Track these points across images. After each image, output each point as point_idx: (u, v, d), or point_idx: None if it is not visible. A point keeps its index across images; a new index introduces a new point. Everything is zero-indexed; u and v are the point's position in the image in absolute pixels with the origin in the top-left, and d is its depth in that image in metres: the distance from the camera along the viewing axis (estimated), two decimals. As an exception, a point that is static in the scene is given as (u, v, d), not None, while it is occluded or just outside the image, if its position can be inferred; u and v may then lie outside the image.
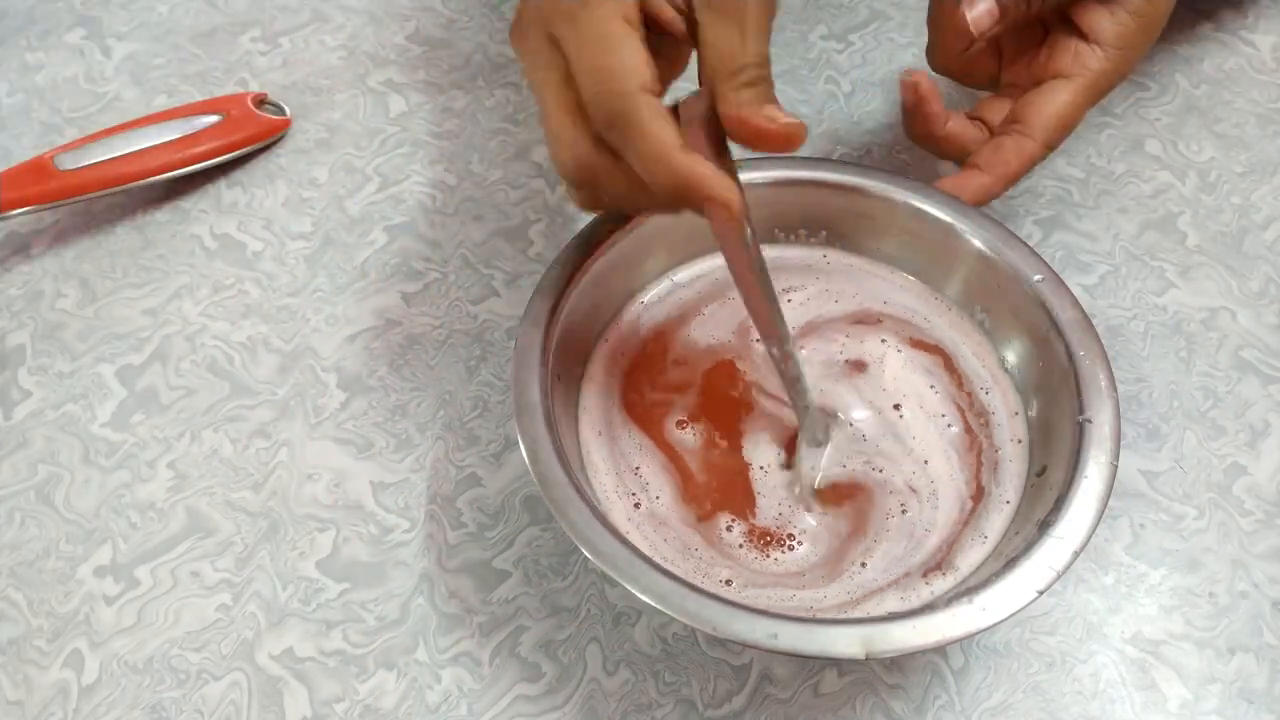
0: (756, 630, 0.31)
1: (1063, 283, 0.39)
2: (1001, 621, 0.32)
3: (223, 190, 0.51)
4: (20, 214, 0.47)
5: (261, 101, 0.54)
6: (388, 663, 0.38)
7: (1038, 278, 0.39)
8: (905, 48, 0.57)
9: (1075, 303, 0.39)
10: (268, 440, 0.43)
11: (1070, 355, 0.38)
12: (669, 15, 0.33)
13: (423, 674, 0.38)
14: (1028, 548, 0.33)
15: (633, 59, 0.31)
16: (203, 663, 0.38)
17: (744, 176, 0.42)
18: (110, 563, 0.40)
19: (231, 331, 0.46)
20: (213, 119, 0.51)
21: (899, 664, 0.38)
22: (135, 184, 0.49)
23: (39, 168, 0.48)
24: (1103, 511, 0.34)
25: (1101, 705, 0.38)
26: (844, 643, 0.31)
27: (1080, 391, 0.37)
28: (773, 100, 0.32)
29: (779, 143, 0.32)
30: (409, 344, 0.46)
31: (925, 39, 0.57)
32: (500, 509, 0.42)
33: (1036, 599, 0.32)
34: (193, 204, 0.51)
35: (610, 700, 0.38)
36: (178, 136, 0.50)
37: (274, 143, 0.53)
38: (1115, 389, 0.37)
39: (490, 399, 0.44)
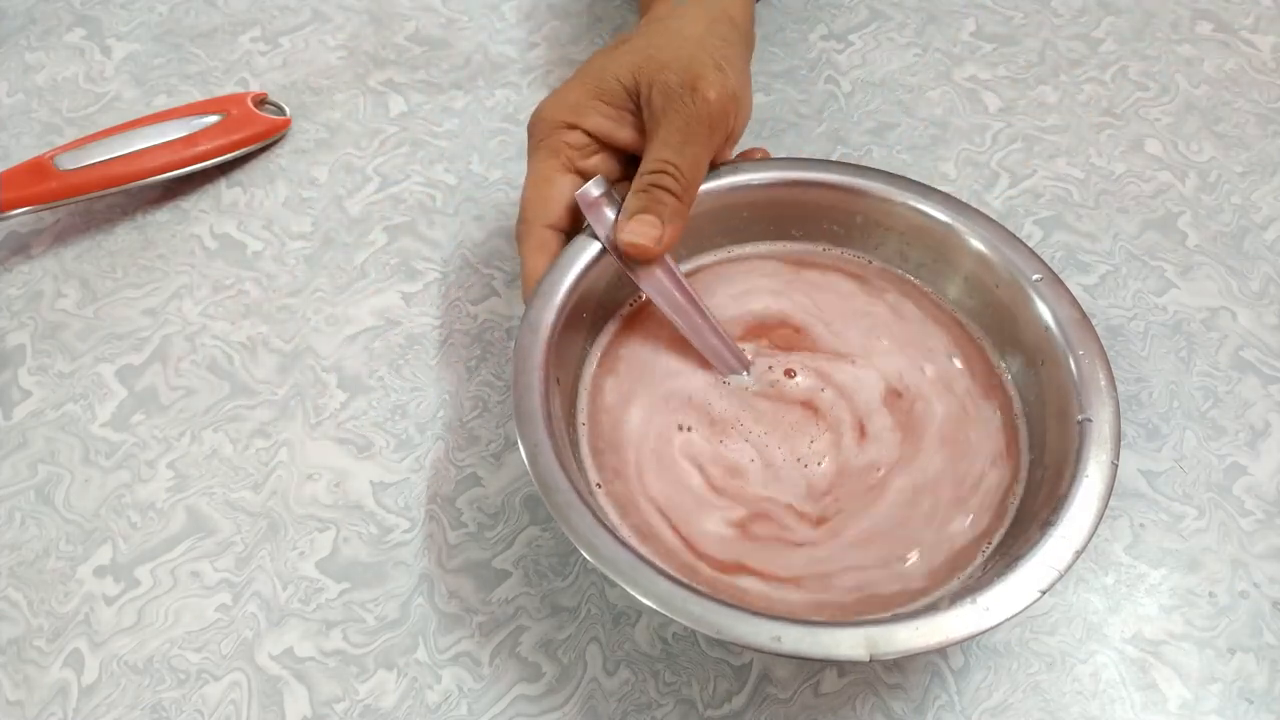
0: (760, 633, 0.31)
1: (1061, 282, 0.39)
2: (1005, 621, 0.32)
3: (223, 190, 0.51)
4: (20, 214, 0.47)
5: (261, 101, 0.54)
6: (388, 663, 0.38)
7: (1036, 277, 0.39)
8: (905, 48, 0.57)
9: (1074, 302, 0.39)
10: (268, 440, 0.43)
11: (1070, 354, 0.38)
12: (626, 138, 0.40)
13: (423, 674, 0.38)
14: (1030, 547, 0.33)
15: (549, 198, 0.40)
16: (203, 663, 0.38)
17: (744, 178, 0.42)
18: (110, 563, 0.40)
19: (231, 331, 0.46)
20: (213, 119, 0.51)
21: (899, 664, 0.38)
22: (135, 184, 0.49)
23: (39, 168, 0.48)
24: (1104, 510, 0.34)
25: (1101, 705, 0.38)
26: (848, 645, 0.31)
27: (1080, 391, 0.37)
28: (650, 210, 0.39)
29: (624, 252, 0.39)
30: (409, 344, 0.46)
31: (925, 39, 0.57)
32: (500, 509, 0.42)
33: (1039, 599, 0.32)
34: (193, 204, 0.51)
35: (610, 700, 0.38)
36: (178, 136, 0.50)
37: (274, 143, 0.53)
38: (1115, 388, 0.37)
39: (490, 399, 0.44)
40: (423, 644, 0.39)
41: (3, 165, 0.51)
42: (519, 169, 0.52)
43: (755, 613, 0.32)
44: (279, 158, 0.52)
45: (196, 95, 0.55)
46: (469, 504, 0.42)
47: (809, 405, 0.39)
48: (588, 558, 0.33)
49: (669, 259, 0.40)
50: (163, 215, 0.50)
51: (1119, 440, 0.35)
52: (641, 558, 0.33)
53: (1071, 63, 0.57)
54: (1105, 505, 0.34)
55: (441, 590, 0.40)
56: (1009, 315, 0.40)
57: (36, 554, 0.41)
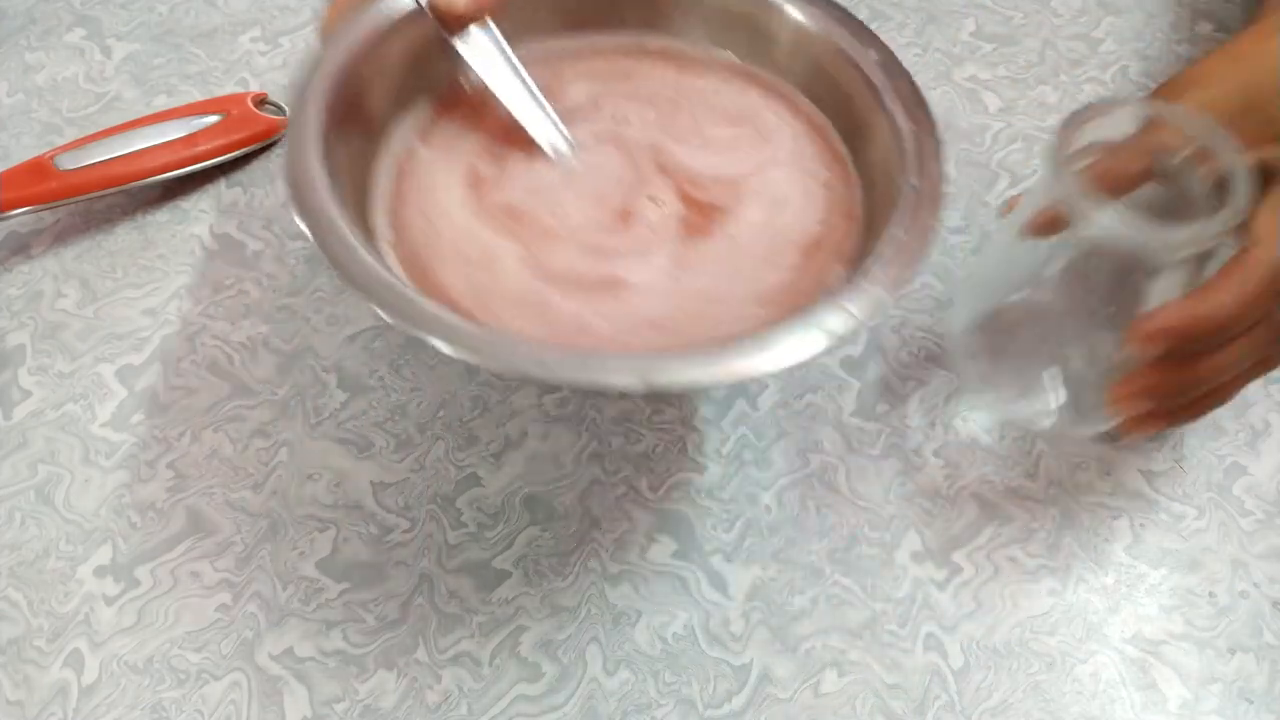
0: (523, 357, 0.30)
1: (896, 60, 0.39)
2: (791, 367, 0.31)
3: (223, 190, 0.51)
4: (20, 214, 0.47)
5: (261, 101, 0.54)
6: (388, 663, 0.38)
7: (872, 55, 0.40)
8: (905, 47, 0.57)
9: (911, 83, 0.39)
10: (268, 440, 0.43)
11: (897, 128, 0.38)
12: None
13: (423, 674, 0.38)
14: (829, 298, 0.33)
15: None
16: (203, 663, 0.38)
17: None
18: (110, 563, 0.40)
19: (231, 331, 0.46)
20: (213, 119, 0.51)
21: (898, 664, 0.38)
22: (135, 184, 0.49)
23: (39, 168, 0.48)
24: (918, 266, 0.33)
25: (1101, 705, 0.38)
26: (620, 374, 0.30)
27: (908, 161, 0.37)
28: None
29: None
30: (409, 344, 0.46)
31: (925, 39, 0.56)
32: (500, 509, 0.42)
33: (832, 345, 0.31)
34: (193, 204, 0.51)
35: (610, 700, 0.38)
36: (178, 136, 0.50)
37: (274, 143, 0.53)
38: (941, 155, 0.37)
39: (490, 399, 0.44)
40: (423, 644, 0.39)
41: (3, 165, 0.50)
42: (519, 169, 0.52)
43: (522, 339, 0.31)
44: (279, 157, 0.52)
45: (196, 95, 0.55)
46: (469, 504, 0.42)
47: (627, 213, 0.38)
48: (346, 283, 0.31)
49: (492, 25, 0.38)
50: (163, 215, 0.50)
51: (940, 203, 0.35)
52: (410, 288, 0.32)
53: (1071, 63, 0.57)
54: (920, 262, 0.33)
55: (441, 590, 0.40)
56: (842, 93, 0.40)
57: (36, 554, 0.41)
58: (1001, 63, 0.56)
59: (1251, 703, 0.38)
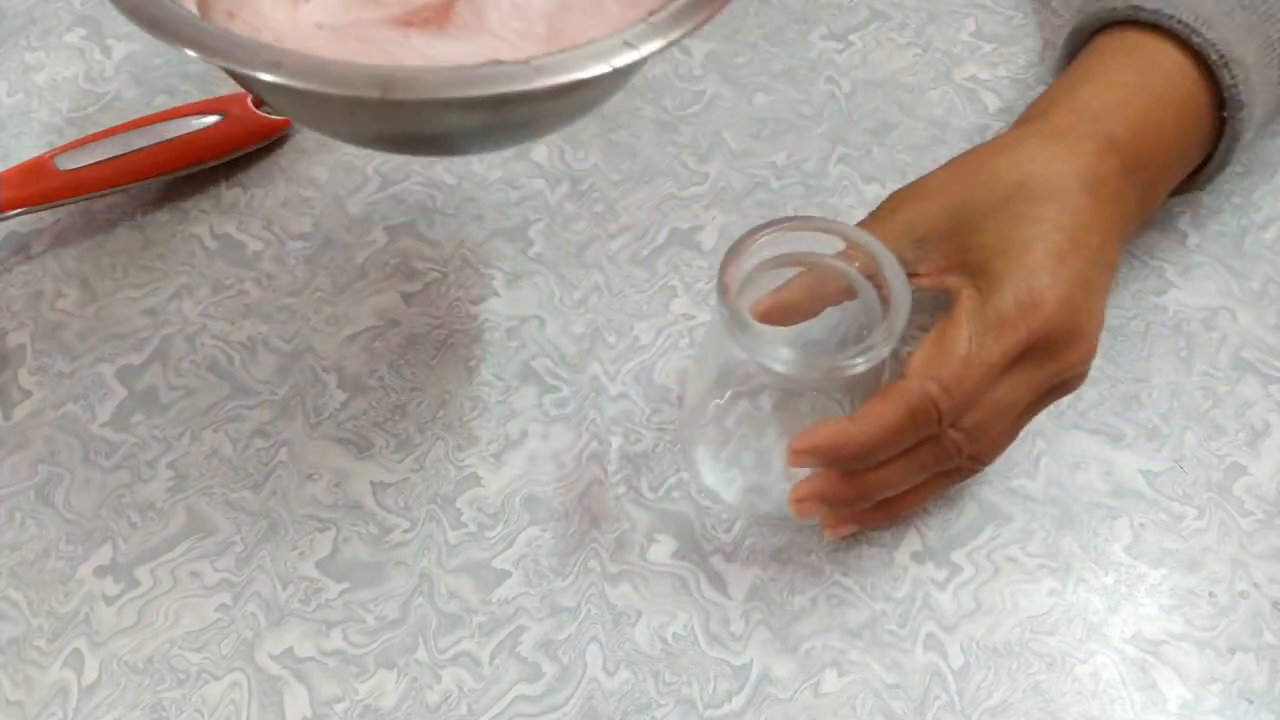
0: (257, 58, 0.29)
1: None
2: (542, 89, 0.29)
3: (223, 190, 0.51)
4: (20, 214, 0.47)
5: (261, 102, 0.54)
6: (388, 663, 0.38)
7: None
8: (905, 48, 0.57)
9: None
10: (267, 440, 0.43)
11: None
12: None
13: (423, 674, 0.38)
14: (617, 35, 0.31)
15: None
16: (203, 663, 0.38)
17: None
18: (110, 563, 0.40)
19: (231, 331, 0.46)
20: (212, 119, 0.51)
21: (898, 664, 0.38)
22: (135, 184, 0.49)
23: (39, 168, 0.48)
24: (713, 16, 0.32)
25: (1101, 705, 0.38)
26: (360, 82, 0.29)
27: None
28: None
29: None
30: (409, 344, 0.46)
31: (925, 39, 0.56)
32: (500, 509, 0.42)
33: (600, 75, 0.30)
34: (193, 204, 0.51)
35: (610, 700, 0.38)
36: (177, 136, 0.50)
37: (274, 143, 0.53)
38: None
39: (490, 399, 0.44)
40: (423, 644, 0.39)
41: (3, 165, 0.50)
42: (519, 169, 0.52)
43: (259, 42, 0.30)
44: (279, 158, 0.52)
45: (196, 95, 0.55)
46: (469, 504, 0.42)
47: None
48: None
49: None
50: (163, 215, 0.50)
51: None
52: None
53: (1071, 63, 0.57)
54: (715, 11, 0.32)
55: (441, 590, 0.40)
56: None
57: (36, 554, 0.41)
58: (1001, 63, 0.56)
59: (1251, 703, 0.38)
